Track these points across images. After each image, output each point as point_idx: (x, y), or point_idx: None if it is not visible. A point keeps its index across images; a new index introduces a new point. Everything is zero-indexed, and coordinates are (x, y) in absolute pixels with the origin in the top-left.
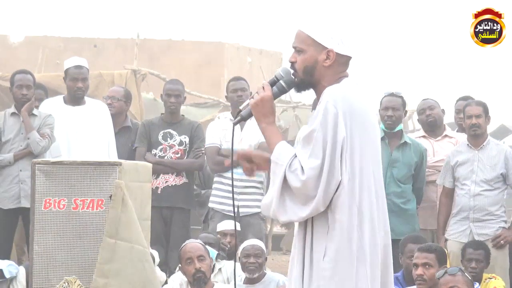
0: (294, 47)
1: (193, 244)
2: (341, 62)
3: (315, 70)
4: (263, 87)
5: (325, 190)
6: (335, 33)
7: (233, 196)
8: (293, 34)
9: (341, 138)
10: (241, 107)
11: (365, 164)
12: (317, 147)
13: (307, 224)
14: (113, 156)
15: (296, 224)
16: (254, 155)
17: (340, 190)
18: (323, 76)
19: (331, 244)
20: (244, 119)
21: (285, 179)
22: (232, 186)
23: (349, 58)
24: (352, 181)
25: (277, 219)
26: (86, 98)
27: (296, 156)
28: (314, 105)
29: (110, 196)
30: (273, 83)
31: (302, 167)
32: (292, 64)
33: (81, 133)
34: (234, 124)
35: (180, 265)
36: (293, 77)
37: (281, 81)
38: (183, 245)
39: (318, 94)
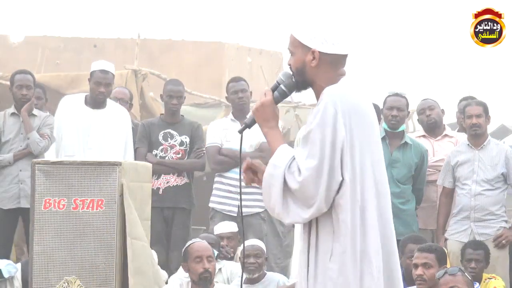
0: (288, 50)
1: (203, 244)
2: (329, 61)
3: (305, 71)
4: (265, 93)
5: (326, 190)
6: (318, 33)
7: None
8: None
9: (341, 138)
10: (247, 116)
11: (365, 164)
12: (314, 148)
13: (311, 225)
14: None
15: (299, 226)
16: (260, 171)
17: (342, 190)
18: (315, 76)
19: (336, 245)
20: (248, 126)
21: (285, 181)
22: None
23: (339, 56)
24: (354, 181)
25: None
26: (107, 100)
27: (295, 158)
28: None
29: (121, 195)
30: (274, 88)
31: (299, 168)
32: (290, 66)
33: (97, 137)
34: (240, 132)
35: (184, 262)
36: (293, 80)
37: (281, 85)
38: (190, 242)
39: (316, 94)
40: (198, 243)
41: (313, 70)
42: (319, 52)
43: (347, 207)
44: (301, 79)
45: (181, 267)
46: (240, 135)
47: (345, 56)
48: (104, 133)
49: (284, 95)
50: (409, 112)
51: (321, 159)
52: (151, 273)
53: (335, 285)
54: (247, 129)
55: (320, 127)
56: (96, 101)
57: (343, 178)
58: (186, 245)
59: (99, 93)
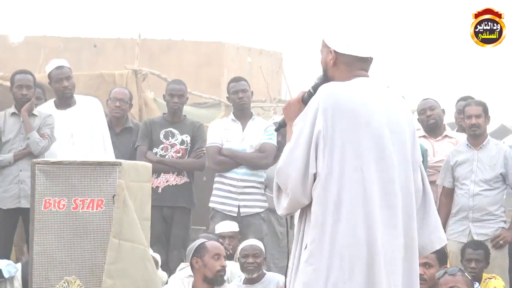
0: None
1: (218, 243)
2: (345, 62)
3: (327, 70)
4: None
5: (300, 180)
6: (336, 34)
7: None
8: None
9: (316, 132)
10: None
11: (347, 161)
12: (293, 139)
13: (301, 218)
14: (109, 151)
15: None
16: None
17: (316, 184)
18: (334, 75)
19: (307, 237)
20: (282, 125)
21: None
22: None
23: (354, 58)
24: (330, 176)
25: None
26: (76, 96)
27: None
28: None
29: (113, 196)
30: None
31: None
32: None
33: (75, 136)
34: (276, 130)
35: (197, 258)
36: (320, 81)
37: (310, 87)
38: (203, 240)
39: None
40: (214, 242)
41: (332, 69)
42: (336, 52)
43: (319, 200)
44: (325, 78)
45: (181, 265)
46: (239, 135)
47: (363, 58)
48: (80, 130)
49: (310, 95)
50: None
51: (294, 149)
52: (140, 277)
53: (306, 274)
54: (246, 123)
55: (302, 120)
56: (65, 99)
57: (318, 172)
58: (199, 242)
59: (64, 88)
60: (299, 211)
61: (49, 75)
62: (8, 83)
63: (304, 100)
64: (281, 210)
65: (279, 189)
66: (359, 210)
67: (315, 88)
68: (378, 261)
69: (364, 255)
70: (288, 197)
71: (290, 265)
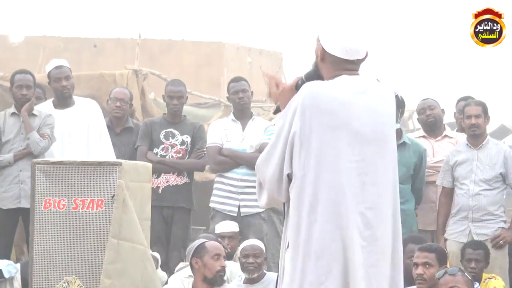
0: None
1: (218, 243)
2: (331, 61)
3: (317, 62)
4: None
5: (275, 177)
6: (328, 32)
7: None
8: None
9: (292, 133)
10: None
11: (324, 161)
12: (274, 137)
13: (286, 218)
14: (109, 152)
15: None
16: (281, 85)
17: (292, 184)
18: (322, 69)
19: (288, 235)
20: (278, 110)
21: None
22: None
23: (340, 59)
24: (306, 177)
25: None
26: (75, 98)
27: None
28: None
29: (113, 196)
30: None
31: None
32: None
33: (73, 136)
34: (274, 113)
35: (196, 258)
36: (314, 67)
37: (302, 75)
38: (203, 240)
39: None
40: (214, 242)
41: (320, 64)
42: (324, 49)
43: (295, 200)
44: (316, 68)
45: (179, 264)
46: (239, 135)
47: (349, 60)
48: (78, 131)
49: (303, 83)
50: (403, 111)
51: (272, 147)
52: (140, 277)
53: (287, 275)
54: (245, 122)
55: (282, 118)
56: (63, 99)
57: (293, 172)
58: (199, 242)
59: (62, 88)
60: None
61: (49, 75)
62: (8, 83)
63: (298, 87)
64: (261, 203)
65: (260, 183)
66: (335, 212)
67: (308, 76)
68: (353, 263)
69: (340, 257)
70: (264, 193)
71: (280, 266)
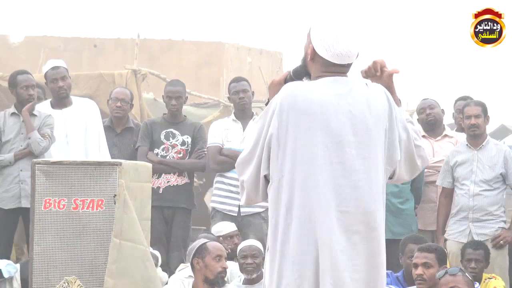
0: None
1: (220, 244)
2: (320, 62)
3: (305, 59)
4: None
5: (252, 178)
6: (319, 32)
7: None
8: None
9: (269, 133)
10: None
11: (302, 164)
12: (254, 137)
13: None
14: (104, 152)
15: None
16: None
17: (270, 186)
18: (310, 69)
19: (268, 237)
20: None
21: None
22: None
23: (329, 62)
24: (283, 179)
25: None
26: (72, 98)
27: None
28: None
29: (114, 196)
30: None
31: None
32: None
33: (71, 136)
34: (266, 104)
35: (197, 258)
36: (302, 62)
37: (291, 70)
38: (205, 240)
39: None
40: (215, 243)
41: (309, 63)
42: (315, 50)
43: (272, 203)
44: (304, 64)
45: (180, 265)
46: (240, 135)
47: (339, 64)
48: (76, 131)
49: (291, 78)
50: None
51: (251, 148)
52: (140, 276)
53: (267, 277)
54: (245, 122)
55: (262, 119)
56: (60, 99)
57: (270, 174)
58: (200, 242)
59: (59, 89)
60: None
61: (45, 75)
62: (6, 84)
63: (287, 82)
64: (241, 202)
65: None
66: (309, 215)
67: (295, 72)
68: (325, 268)
69: (313, 261)
70: (244, 194)
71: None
